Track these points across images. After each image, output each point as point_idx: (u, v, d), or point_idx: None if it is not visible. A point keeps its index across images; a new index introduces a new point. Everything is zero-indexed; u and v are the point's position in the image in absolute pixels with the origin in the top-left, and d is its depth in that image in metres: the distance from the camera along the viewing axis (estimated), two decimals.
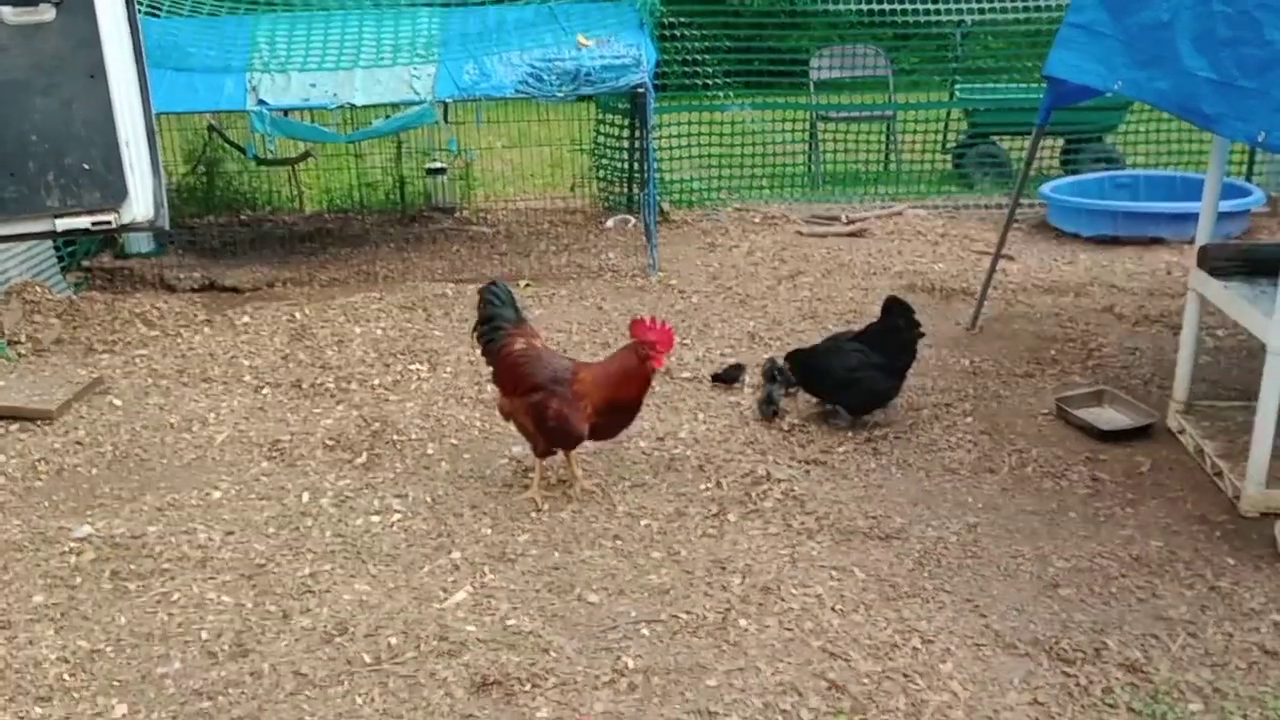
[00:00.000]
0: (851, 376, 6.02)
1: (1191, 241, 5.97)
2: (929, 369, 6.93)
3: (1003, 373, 6.89)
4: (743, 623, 4.30)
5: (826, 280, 9.00)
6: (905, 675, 3.96)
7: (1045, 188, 10.83)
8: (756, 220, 11.22)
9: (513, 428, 5.46)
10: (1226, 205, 9.03)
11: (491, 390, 6.61)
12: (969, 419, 6.18)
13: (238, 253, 9.83)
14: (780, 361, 6.48)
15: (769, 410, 6.21)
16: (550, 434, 5.13)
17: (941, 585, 4.55)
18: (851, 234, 10.64)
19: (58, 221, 6.29)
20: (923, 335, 6.14)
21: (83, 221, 6.38)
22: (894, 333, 6.05)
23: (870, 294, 8.49)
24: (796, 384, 6.37)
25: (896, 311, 6.07)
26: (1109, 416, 6.11)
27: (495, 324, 5.47)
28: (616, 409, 5.17)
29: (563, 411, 5.04)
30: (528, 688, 3.91)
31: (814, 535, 4.97)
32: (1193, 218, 6.12)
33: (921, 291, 8.63)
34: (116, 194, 5.98)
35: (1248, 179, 11.62)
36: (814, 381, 6.24)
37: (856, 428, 6.09)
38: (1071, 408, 6.12)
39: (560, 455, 5.42)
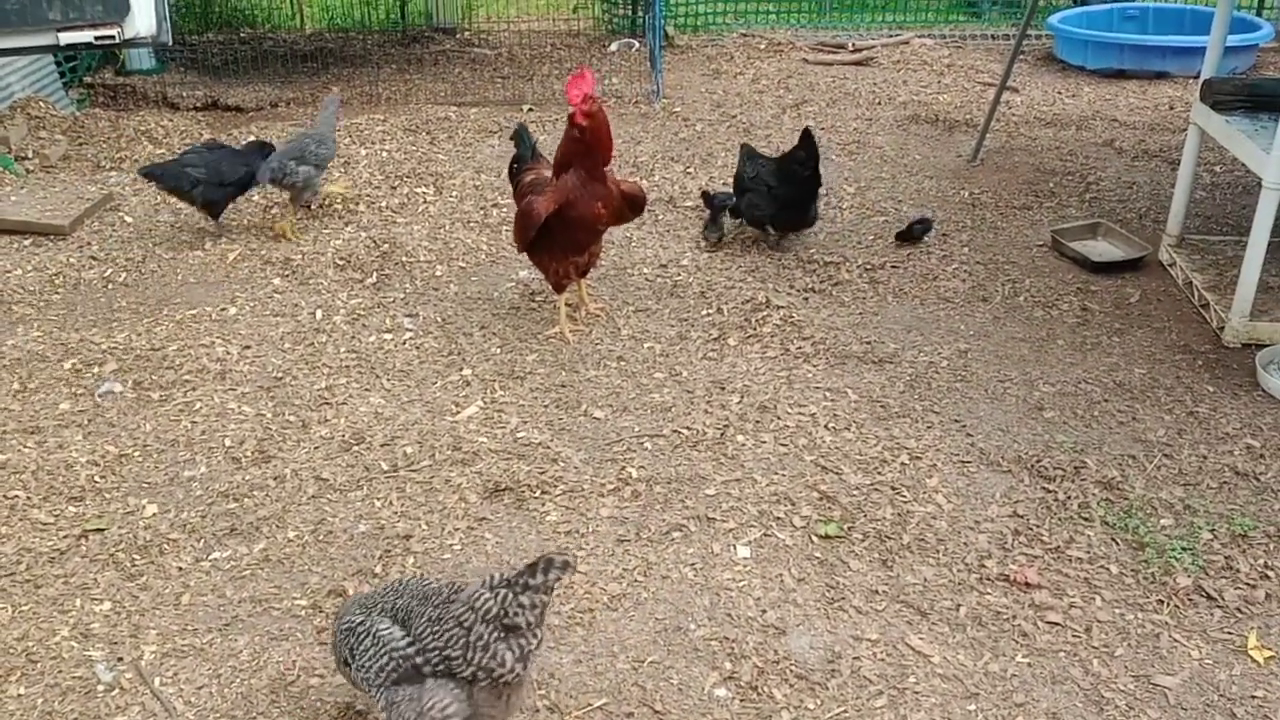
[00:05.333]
0: (749, 184, 6.27)
1: (1197, 77, 5.98)
2: (929, 200, 7.01)
3: (1001, 205, 6.97)
4: (740, 438, 4.51)
5: (831, 110, 8.97)
6: (893, 488, 4.18)
7: (1053, 19, 10.69)
8: (762, 47, 11.10)
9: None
10: (1234, 39, 8.97)
11: (496, 215, 6.71)
12: (965, 249, 6.30)
13: (239, 72, 9.75)
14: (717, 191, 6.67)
15: (714, 235, 6.38)
16: (521, 222, 5.14)
17: (930, 406, 4.75)
18: (857, 63, 10.54)
19: (60, 35, 6.26)
20: (818, 184, 6.13)
21: (85, 35, 6.34)
22: (792, 163, 6.14)
23: (874, 124, 8.51)
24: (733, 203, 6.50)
25: (801, 143, 6.11)
26: (1102, 249, 6.23)
27: (517, 164, 5.67)
28: (568, 165, 5.12)
29: (529, 199, 5.13)
30: (538, 494, 4.13)
31: (810, 359, 5.14)
32: (1200, 53, 6.12)
33: (925, 122, 8.63)
34: (119, 7, 5.94)
35: (1258, 13, 11.46)
36: (737, 183, 6.45)
37: (778, 247, 6.32)
38: (1066, 239, 6.23)
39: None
